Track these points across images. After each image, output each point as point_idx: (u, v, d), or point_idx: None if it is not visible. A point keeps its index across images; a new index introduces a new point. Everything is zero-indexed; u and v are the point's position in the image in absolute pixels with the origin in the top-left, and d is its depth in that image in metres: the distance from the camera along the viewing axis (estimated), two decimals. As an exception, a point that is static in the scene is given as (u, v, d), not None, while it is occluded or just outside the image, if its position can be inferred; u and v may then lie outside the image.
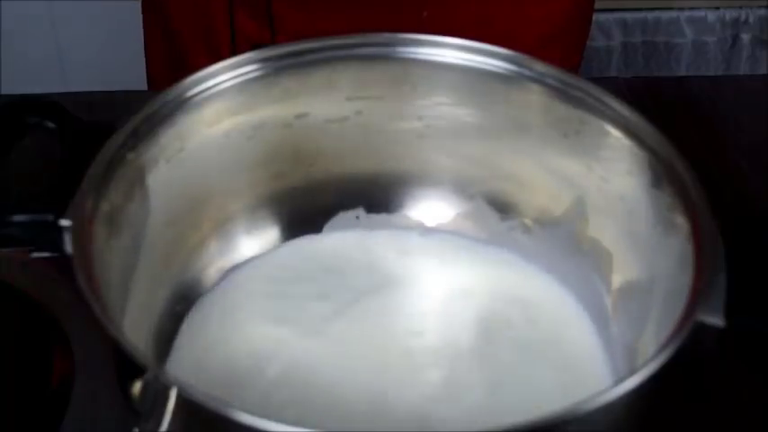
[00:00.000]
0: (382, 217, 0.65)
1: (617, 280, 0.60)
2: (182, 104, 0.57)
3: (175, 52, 0.90)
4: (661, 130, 0.56)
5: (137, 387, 0.45)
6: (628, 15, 1.63)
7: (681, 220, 0.53)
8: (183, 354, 0.58)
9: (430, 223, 0.65)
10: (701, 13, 1.65)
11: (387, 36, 0.61)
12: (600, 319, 0.60)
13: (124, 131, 0.55)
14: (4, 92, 0.97)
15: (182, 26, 0.88)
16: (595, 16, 0.96)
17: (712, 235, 0.51)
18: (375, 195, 0.65)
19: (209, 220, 0.62)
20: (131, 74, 0.96)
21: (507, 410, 0.55)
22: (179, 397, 0.44)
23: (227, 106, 0.59)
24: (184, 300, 0.60)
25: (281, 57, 0.60)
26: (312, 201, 0.64)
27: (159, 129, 0.56)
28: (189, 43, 0.87)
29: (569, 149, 0.60)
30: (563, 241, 0.62)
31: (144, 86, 0.96)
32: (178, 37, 0.89)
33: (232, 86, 0.59)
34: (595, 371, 0.58)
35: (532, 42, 0.81)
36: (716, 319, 0.47)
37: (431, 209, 0.65)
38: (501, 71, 0.60)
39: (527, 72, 0.60)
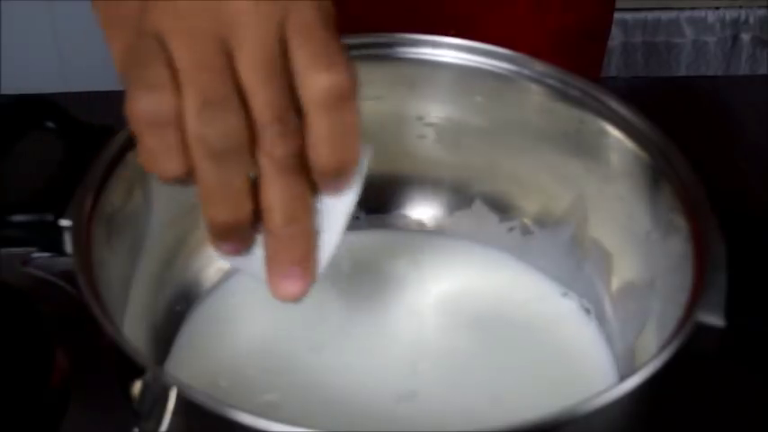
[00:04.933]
0: (382, 217, 0.65)
1: (617, 280, 0.60)
2: (182, 104, 0.57)
3: None
4: (661, 130, 0.56)
5: (136, 387, 0.45)
6: (628, 15, 1.63)
7: (681, 220, 0.53)
8: (183, 354, 0.58)
9: (429, 223, 0.65)
10: (701, 13, 1.65)
11: (387, 36, 0.61)
12: (600, 319, 0.60)
13: (124, 131, 0.55)
14: (4, 92, 0.97)
15: None
16: (596, 16, 0.96)
17: (712, 235, 0.51)
18: (375, 195, 0.65)
19: (209, 220, 0.62)
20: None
21: (507, 411, 0.55)
22: (179, 397, 0.44)
23: (227, 106, 0.59)
24: (184, 300, 0.60)
25: (281, 57, 0.60)
26: (312, 201, 0.64)
27: (159, 129, 0.56)
28: None
29: (569, 149, 0.60)
30: (563, 241, 0.62)
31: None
32: None
33: (232, 86, 0.59)
34: (595, 371, 0.58)
35: (551, 52, 0.81)
36: (716, 319, 0.47)
37: (430, 209, 0.65)
38: (501, 71, 0.60)
39: (527, 72, 0.59)
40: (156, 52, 0.42)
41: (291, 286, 0.45)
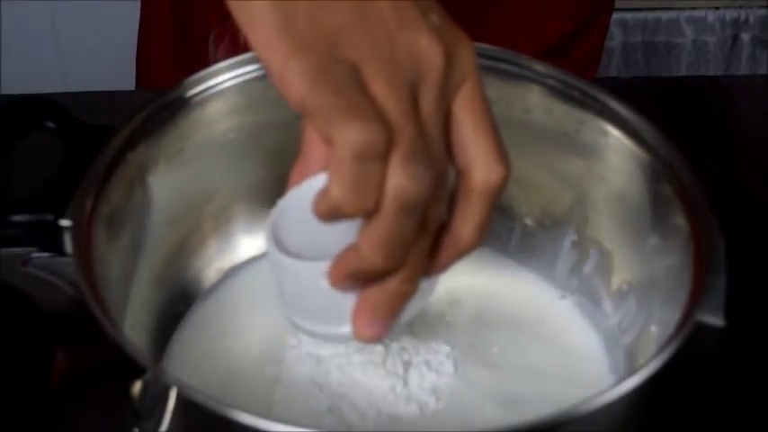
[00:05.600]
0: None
1: (617, 280, 0.60)
2: (182, 104, 0.57)
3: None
4: (661, 130, 0.56)
5: (137, 387, 0.45)
6: (628, 15, 1.63)
7: (681, 220, 0.53)
8: (183, 353, 0.58)
9: (430, 223, 0.65)
10: (701, 13, 1.65)
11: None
12: (600, 320, 0.60)
13: (124, 131, 0.55)
14: (4, 92, 0.97)
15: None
16: (596, 16, 0.96)
17: (712, 235, 0.51)
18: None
19: (209, 220, 0.62)
20: (132, 74, 0.96)
21: (507, 411, 0.55)
22: (179, 397, 0.44)
23: (227, 106, 0.59)
24: (184, 300, 0.60)
25: (281, 57, 0.60)
26: (312, 201, 0.64)
27: (159, 129, 0.56)
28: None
29: (569, 149, 0.60)
30: (563, 241, 0.62)
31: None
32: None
33: (232, 86, 0.59)
34: (595, 372, 0.58)
35: (551, 52, 0.81)
36: (716, 319, 0.48)
37: (431, 209, 0.65)
38: (501, 71, 0.60)
39: (527, 72, 0.59)
40: (356, 84, 0.41)
41: (375, 331, 0.46)
